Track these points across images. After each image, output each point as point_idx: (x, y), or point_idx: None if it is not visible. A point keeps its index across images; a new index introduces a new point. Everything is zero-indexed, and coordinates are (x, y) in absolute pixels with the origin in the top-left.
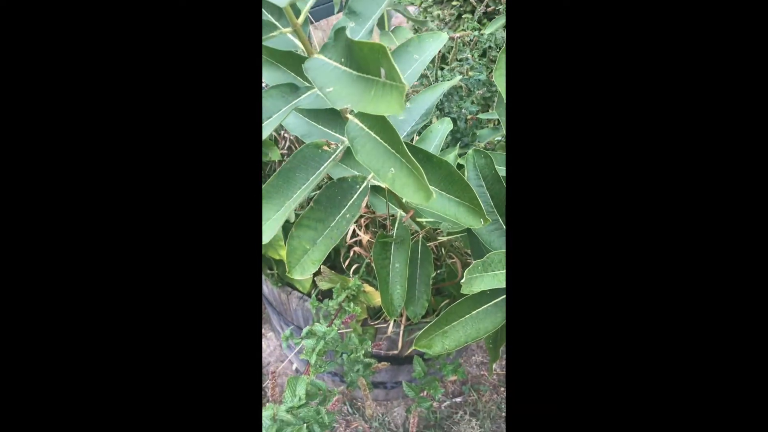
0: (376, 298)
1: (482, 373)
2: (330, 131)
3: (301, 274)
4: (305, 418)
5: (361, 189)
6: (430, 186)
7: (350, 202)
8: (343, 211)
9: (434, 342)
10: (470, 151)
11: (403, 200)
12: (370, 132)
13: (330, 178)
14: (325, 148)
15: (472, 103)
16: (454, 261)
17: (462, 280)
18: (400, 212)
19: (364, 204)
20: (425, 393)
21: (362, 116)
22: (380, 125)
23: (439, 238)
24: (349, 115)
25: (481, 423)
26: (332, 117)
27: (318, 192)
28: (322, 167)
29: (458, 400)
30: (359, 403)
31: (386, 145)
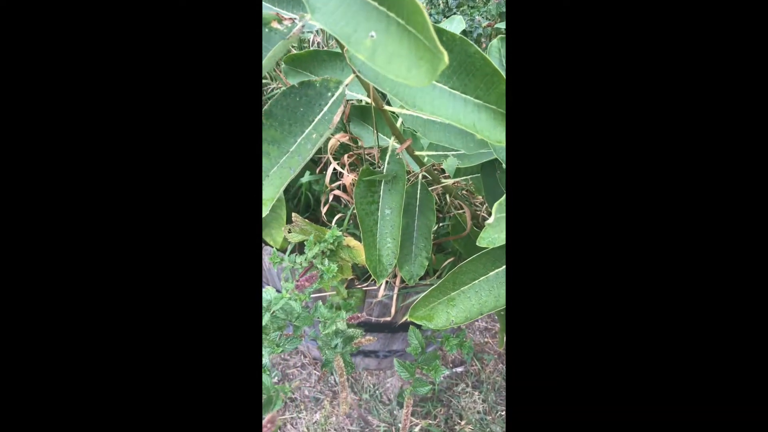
0: (363, 255)
1: (486, 340)
2: (287, 11)
3: None
4: None
5: (334, 98)
6: (435, 77)
7: (318, 116)
8: (307, 130)
9: (436, 312)
10: (495, 41)
11: (398, 123)
12: None
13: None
14: (275, 24)
15: (486, 17)
16: (462, 211)
17: (488, 221)
18: (392, 142)
19: (338, 116)
20: (422, 372)
21: None
22: None
23: (443, 181)
24: None
25: (484, 396)
26: None
27: (271, 102)
28: (270, 52)
29: (459, 370)
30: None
31: None
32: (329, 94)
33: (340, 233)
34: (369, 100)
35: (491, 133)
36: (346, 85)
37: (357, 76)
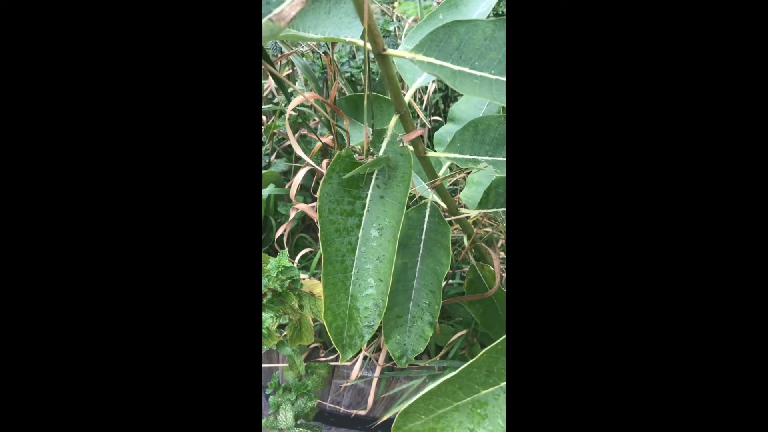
0: None
1: None
2: None
3: None
4: None
5: None
6: None
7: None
8: None
9: (449, 427)
10: None
11: (408, 95)
12: None
13: None
14: None
15: None
16: (485, 264)
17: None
18: (393, 123)
19: (293, 10)
20: None
21: None
22: None
23: (461, 211)
24: None
25: None
26: None
27: None
28: None
29: None
30: None
31: None
32: None
33: (293, 264)
34: (359, 41)
35: None
36: None
37: None
